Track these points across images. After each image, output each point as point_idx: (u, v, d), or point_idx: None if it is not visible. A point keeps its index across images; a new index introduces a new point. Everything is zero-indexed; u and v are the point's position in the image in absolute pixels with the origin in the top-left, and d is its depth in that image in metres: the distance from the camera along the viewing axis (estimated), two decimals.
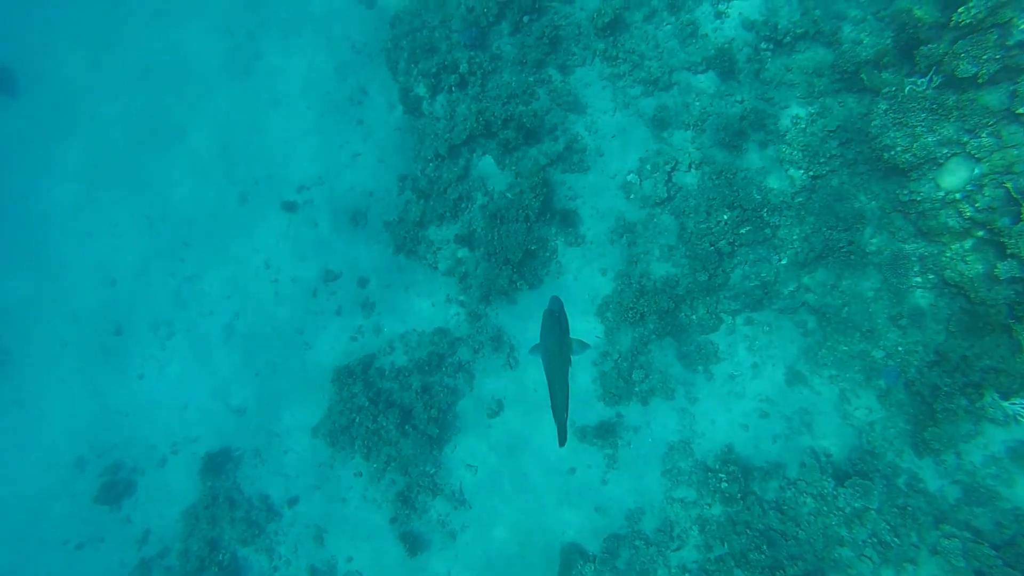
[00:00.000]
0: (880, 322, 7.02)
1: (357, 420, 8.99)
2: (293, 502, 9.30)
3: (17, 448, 10.78)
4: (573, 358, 4.16)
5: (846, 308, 7.37)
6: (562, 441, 4.13)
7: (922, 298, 6.62)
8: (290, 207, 10.51)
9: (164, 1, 11.78)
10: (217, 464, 9.60)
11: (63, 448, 10.56)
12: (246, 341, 10.17)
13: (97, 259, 11.16)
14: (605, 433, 8.41)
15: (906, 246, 6.53)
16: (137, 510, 10.00)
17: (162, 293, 10.73)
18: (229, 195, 10.82)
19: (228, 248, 10.61)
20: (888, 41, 6.92)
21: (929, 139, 5.98)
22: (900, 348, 6.76)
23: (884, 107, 6.29)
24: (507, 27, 9.32)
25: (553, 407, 4.10)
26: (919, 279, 6.53)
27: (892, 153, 6.34)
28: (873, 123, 6.41)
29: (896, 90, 6.27)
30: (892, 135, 6.25)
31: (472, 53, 9.20)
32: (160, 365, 10.49)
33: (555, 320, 4.09)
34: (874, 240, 7.08)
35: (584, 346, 4.18)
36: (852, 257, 7.34)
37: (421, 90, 9.71)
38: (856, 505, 6.71)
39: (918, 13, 6.29)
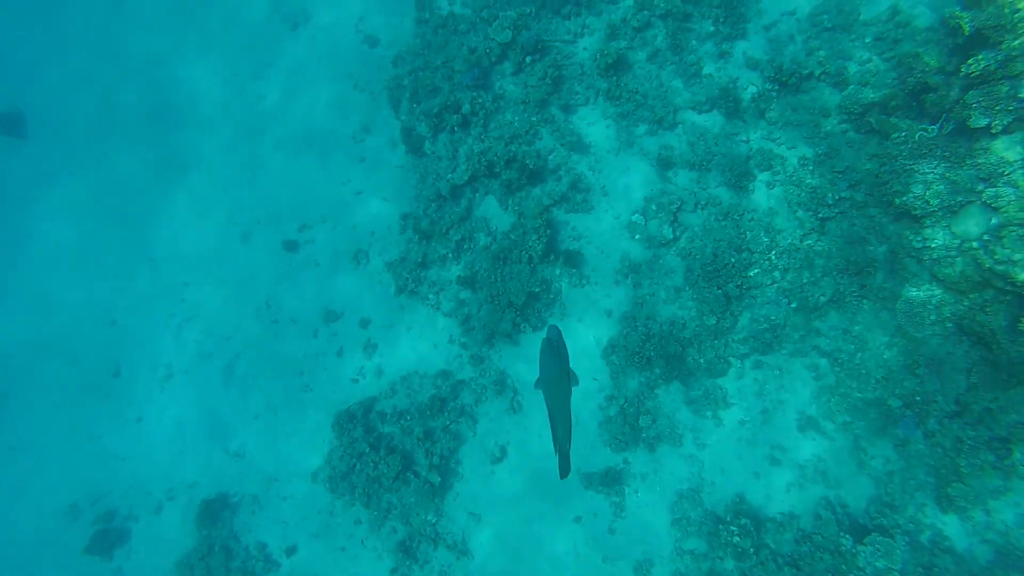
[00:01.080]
0: (896, 370, 6.79)
1: (357, 466, 8.75)
2: (291, 551, 9.02)
3: (11, 494, 10.56)
4: (574, 389, 4.06)
5: (859, 354, 7.15)
6: (564, 473, 4.07)
7: (940, 347, 6.39)
8: (291, 246, 10.42)
9: (172, 44, 11.91)
10: (214, 511, 9.35)
11: (57, 494, 10.34)
12: (245, 383, 9.99)
13: (98, 299, 11.08)
14: (611, 481, 8.15)
15: (920, 293, 6.34)
16: (130, 560, 9.72)
17: (162, 334, 10.61)
18: (231, 234, 10.76)
19: (227, 288, 10.50)
20: (895, 84, 6.82)
21: (942, 187, 5.83)
22: (918, 398, 6.52)
23: (893, 152, 6.16)
24: (510, 67, 9.31)
25: (554, 438, 4.01)
26: (936, 328, 6.31)
27: (904, 199, 6.18)
28: (883, 168, 6.27)
29: (906, 135, 6.15)
30: (903, 181, 6.11)
31: (474, 93, 9.19)
32: (159, 407, 10.31)
33: (554, 349, 4.01)
34: (887, 285, 6.89)
35: (575, 378, 4.06)
36: (864, 302, 7.15)
37: (423, 129, 9.67)
38: (878, 565, 6.40)
39: (926, 59, 6.20)
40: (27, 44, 12.99)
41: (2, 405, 11.11)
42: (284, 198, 10.75)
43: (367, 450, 8.73)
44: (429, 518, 8.46)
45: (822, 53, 7.76)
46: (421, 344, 9.40)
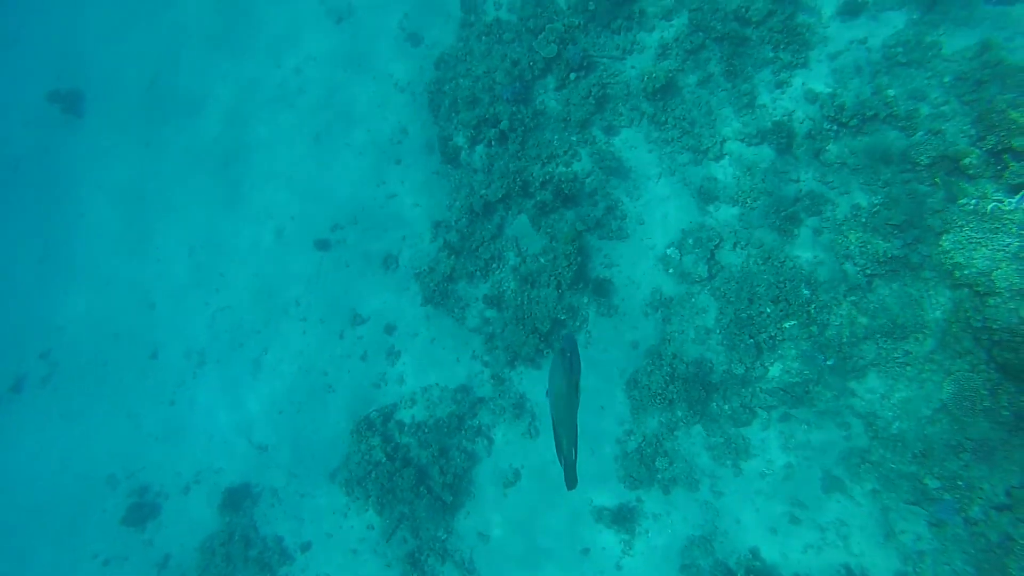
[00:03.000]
0: (937, 447, 6.37)
1: (373, 474, 8.94)
2: (306, 547, 9.37)
3: (60, 459, 11.31)
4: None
5: (897, 423, 6.74)
6: (571, 484, 3.99)
7: (992, 431, 5.94)
8: (323, 245, 10.52)
9: (219, 30, 11.98)
10: (236, 500, 9.77)
11: (99, 464, 11.01)
12: (272, 377, 10.28)
13: (139, 281, 11.52)
14: (623, 518, 8.06)
15: (976, 376, 5.87)
16: (160, 534, 10.32)
17: (197, 321, 10.98)
18: (266, 229, 10.94)
19: (261, 282, 10.73)
20: (972, 137, 6.22)
21: (1013, 269, 5.32)
22: (960, 482, 6.11)
23: (959, 220, 5.64)
24: (553, 82, 8.96)
25: (558, 448, 3.96)
26: (990, 415, 5.85)
27: (965, 273, 5.69)
28: (945, 237, 5.76)
29: (976, 204, 5.61)
30: (966, 254, 5.61)
31: (514, 108, 8.90)
32: (190, 393, 10.75)
33: (566, 359, 3.93)
34: (936, 356, 6.42)
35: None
36: (908, 369, 6.70)
37: (460, 140, 9.49)
38: None
39: (1014, 115, 5.59)
40: (87, 22, 13.30)
41: (56, 374, 11.80)
42: (318, 195, 10.81)
43: (383, 460, 8.88)
44: (439, 534, 8.61)
45: (891, 92, 7.13)
46: (444, 356, 9.41)
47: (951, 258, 5.79)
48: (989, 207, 5.51)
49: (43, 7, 13.64)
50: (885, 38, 7.63)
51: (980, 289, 5.61)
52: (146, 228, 11.83)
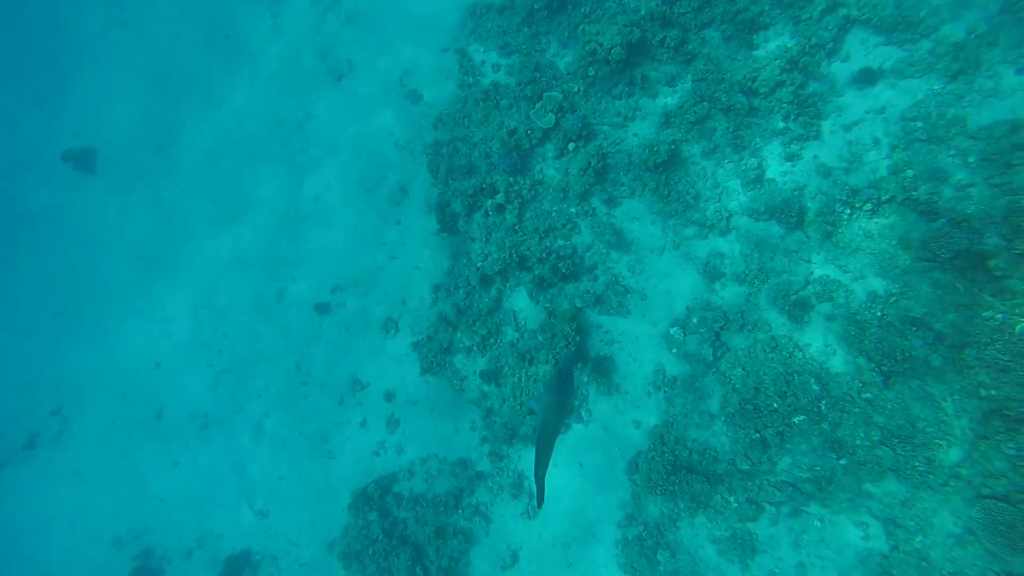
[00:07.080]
0: (970, 572, 5.87)
1: (370, 551, 8.77)
2: None
3: (70, 519, 11.45)
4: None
5: (920, 537, 6.25)
6: (541, 503, 4.13)
7: None
8: (323, 308, 10.42)
9: (219, 92, 12.02)
10: (236, 568, 9.72)
11: (106, 525, 11.10)
12: (272, 442, 10.22)
13: (146, 341, 11.60)
14: None
15: (1015, 508, 5.36)
16: None
17: (200, 382, 10.98)
18: (267, 291, 10.88)
19: (262, 345, 10.68)
20: (1003, 233, 5.71)
21: None
22: None
23: (983, 338, 5.16)
24: (552, 150, 8.67)
25: (536, 467, 4.09)
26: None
27: (992, 392, 5.20)
28: (968, 351, 5.28)
29: (1003, 321, 5.12)
30: (993, 375, 5.12)
31: (511, 179, 8.64)
32: (194, 455, 10.76)
33: (561, 380, 4.07)
34: (962, 470, 5.92)
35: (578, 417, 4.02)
36: (931, 478, 6.20)
37: (457, 207, 9.27)
38: None
39: None
40: (98, 82, 13.54)
41: (66, 431, 11.97)
42: (320, 256, 10.72)
43: (380, 536, 8.71)
44: None
45: (910, 173, 6.64)
46: (443, 427, 9.20)
47: (976, 375, 5.31)
48: (1018, 328, 5.02)
49: (68, 70, 13.95)
50: (904, 109, 7.14)
51: (1011, 414, 5.13)
52: (152, 286, 11.91)
